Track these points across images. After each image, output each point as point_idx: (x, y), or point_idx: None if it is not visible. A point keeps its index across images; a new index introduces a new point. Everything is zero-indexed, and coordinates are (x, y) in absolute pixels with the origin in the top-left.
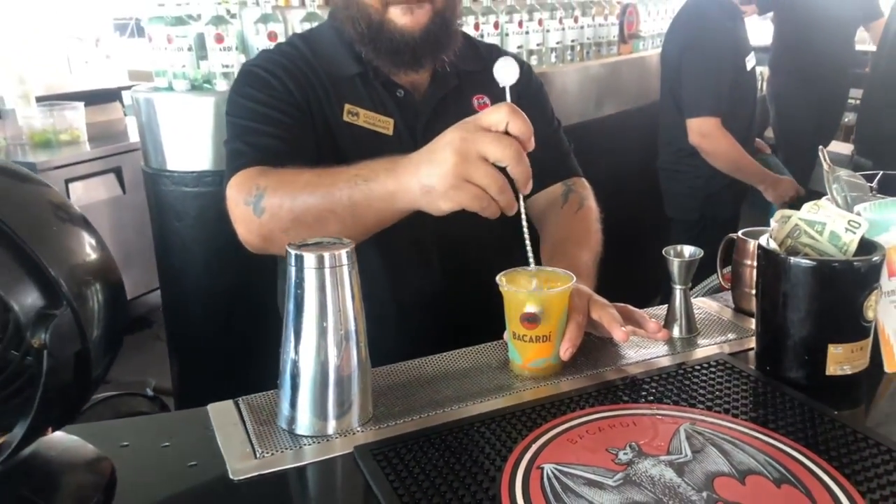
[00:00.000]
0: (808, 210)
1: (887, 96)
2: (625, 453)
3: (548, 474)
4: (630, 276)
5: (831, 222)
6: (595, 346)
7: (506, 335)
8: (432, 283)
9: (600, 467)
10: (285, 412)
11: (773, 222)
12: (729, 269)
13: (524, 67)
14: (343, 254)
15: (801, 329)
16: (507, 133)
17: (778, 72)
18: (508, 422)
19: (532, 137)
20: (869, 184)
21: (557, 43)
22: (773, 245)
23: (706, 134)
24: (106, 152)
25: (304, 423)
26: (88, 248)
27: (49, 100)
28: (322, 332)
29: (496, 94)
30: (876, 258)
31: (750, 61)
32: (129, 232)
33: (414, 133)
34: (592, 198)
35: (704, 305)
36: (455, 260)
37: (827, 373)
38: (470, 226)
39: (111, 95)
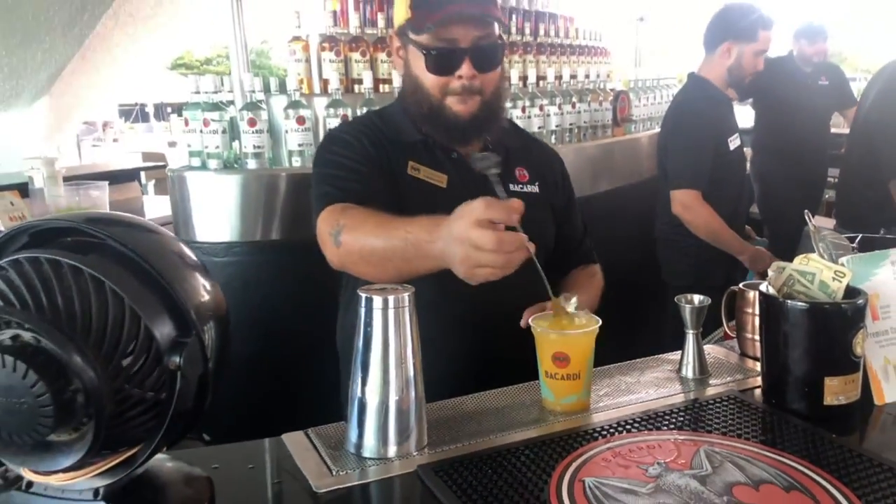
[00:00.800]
0: (800, 262)
1: (861, 176)
2: (654, 469)
3: (589, 485)
4: (631, 335)
5: (820, 273)
6: (617, 387)
7: (539, 374)
8: (473, 330)
9: (634, 479)
10: (353, 438)
11: (769, 272)
12: (733, 321)
13: (561, 166)
14: (405, 297)
15: (801, 364)
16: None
17: (760, 152)
18: (548, 447)
19: (517, 212)
20: (851, 244)
21: (557, 126)
22: (772, 291)
23: (687, 205)
24: None
25: (370, 446)
26: (208, 288)
27: (73, 179)
28: (386, 367)
29: (534, 169)
30: (860, 301)
31: (733, 142)
32: None
33: (466, 188)
34: (598, 269)
35: (713, 351)
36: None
37: (825, 402)
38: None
39: (129, 175)
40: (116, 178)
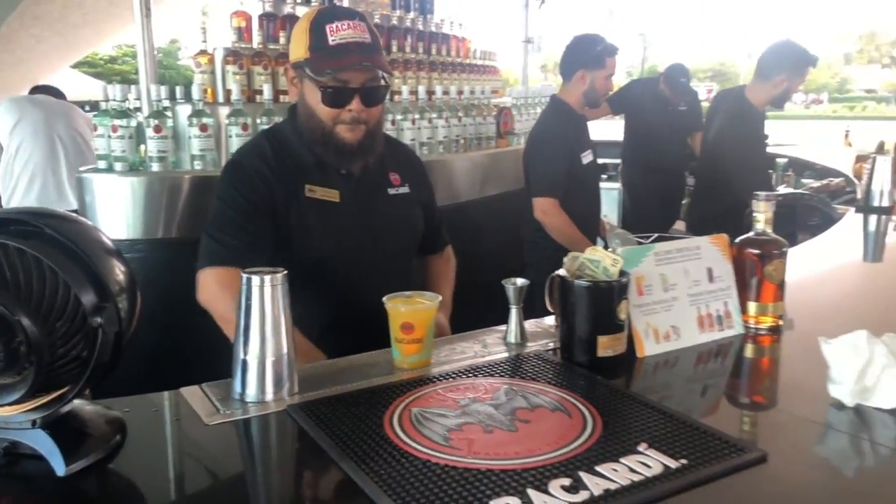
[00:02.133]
0: (589, 253)
1: (705, 191)
2: (464, 401)
3: (414, 413)
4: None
5: (603, 260)
6: (454, 350)
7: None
8: (351, 310)
9: (447, 407)
10: (237, 388)
11: (564, 260)
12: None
13: (420, 166)
14: (278, 277)
15: (582, 327)
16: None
17: (627, 164)
18: (392, 390)
19: None
20: (638, 240)
21: (444, 137)
22: (565, 274)
23: (546, 211)
24: None
25: (251, 394)
26: (121, 267)
27: None
28: (263, 332)
29: (403, 171)
30: (624, 280)
31: (586, 157)
32: None
33: (355, 198)
34: (451, 254)
35: (538, 324)
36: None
37: (598, 355)
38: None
39: None
40: None
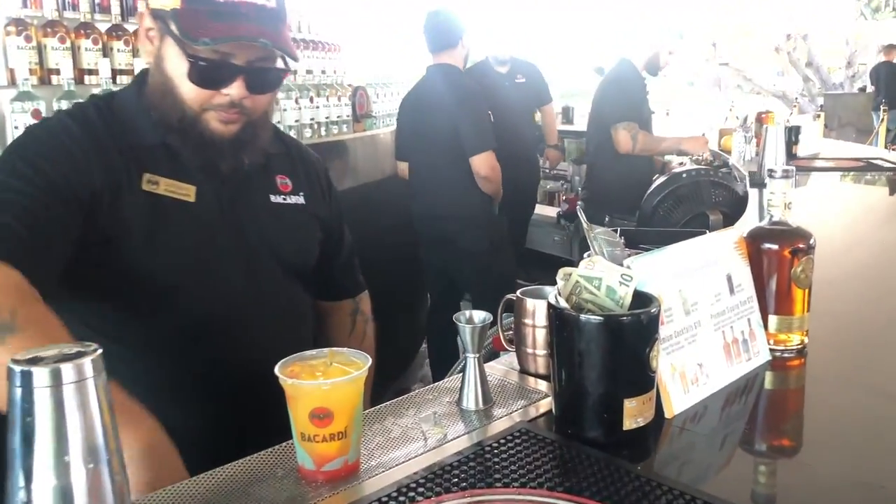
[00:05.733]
0: (586, 266)
1: (601, 161)
2: None
3: None
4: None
5: (607, 277)
6: (390, 435)
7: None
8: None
9: None
10: None
11: (558, 280)
12: (510, 331)
13: (325, 175)
14: (86, 363)
15: (599, 386)
16: None
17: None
18: None
19: None
20: (618, 239)
21: (296, 121)
22: (562, 303)
23: (492, 165)
24: None
25: None
26: None
27: None
28: (64, 471)
29: (297, 178)
30: (654, 310)
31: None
32: None
33: (220, 200)
34: (370, 314)
35: (490, 370)
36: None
37: (624, 427)
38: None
39: None
40: None
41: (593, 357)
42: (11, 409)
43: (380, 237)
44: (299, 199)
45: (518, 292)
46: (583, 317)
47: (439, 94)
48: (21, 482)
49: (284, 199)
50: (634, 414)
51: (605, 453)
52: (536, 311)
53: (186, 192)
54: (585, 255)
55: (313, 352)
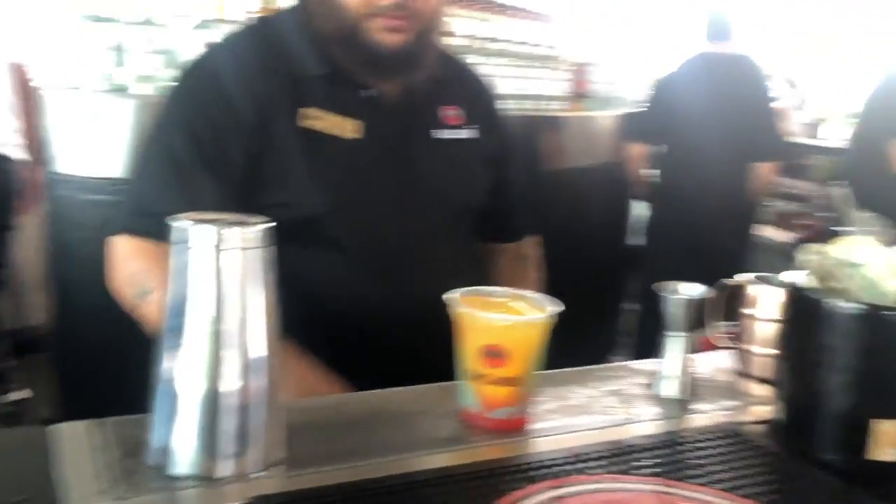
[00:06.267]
0: (843, 247)
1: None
2: None
3: None
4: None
5: (871, 264)
6: (567, 402)
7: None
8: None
9: None
10: (157, 444)
11: (801, 259)
12: (723, 326)
13: (495, 94)
14: (253, 232)
15: (844, 398)
16: None
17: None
18: (461, 486)
19: None
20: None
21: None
22: (809, 285)
23: (773, 181)
24: None
25: (185, 460)
26: None
27: None
28: (216, 338)
29: (468, 107)
30: None
31: None
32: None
33: (382, 136)
34: (539, 260)
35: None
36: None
37: (869, 456)
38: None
39: None
40: None
41: (844, 358)
42: (173, 268)
43: (585, 223)
44: (471, 133)
45: (736, 277)
46: (840, 305)
47: (734, 85)
48: (173, 348)
49: (453, 133)
50: (888, 441)
51: (842, 481)
52: (761, 300)
53: (346, 128)
54: (838, 236)
55: (495, 288)
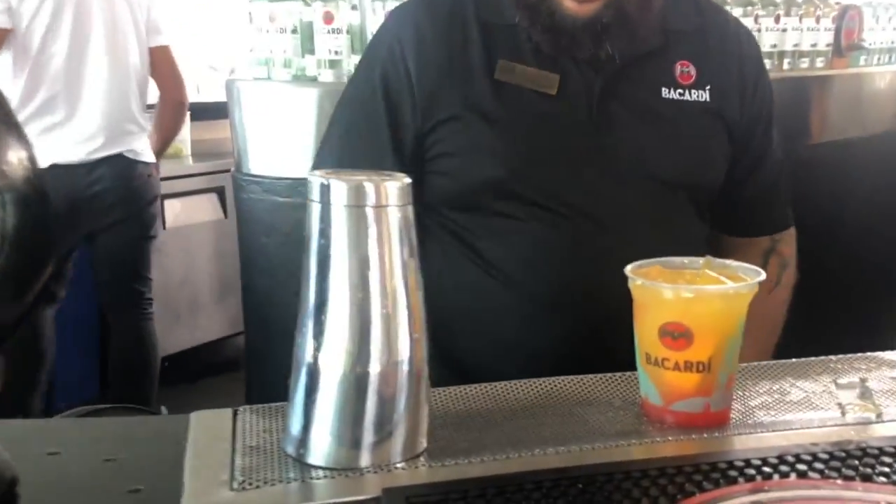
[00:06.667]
0: None
1: None
2: None
3: None
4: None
5: None
6: (784, 397)
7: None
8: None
9: None
10: (294, 432)
11: None
12: None
13: (757, 63)
14: (394, 188)
15: None
16: None
17: None
18: (638, 486)
19: None
20: None
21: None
22: None
23: None
24: (208, 169)
25: (321, 449)
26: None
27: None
28: (358, 312)
29: (706, 63)
30: None
31: None
32: (228, 260)
33: (590, 95)
34: (794, 261)
35: None
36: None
37: None
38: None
39: (222, 111)
40: (209, 112)
41: None
42: (308, 230)
43: (857, 209)
44: (702, 95)
45: None
46: None
47: None
48: (309, 325)
49: (682, 93)
50: None
51: None
52: None
53: (549, 83)
54: None
55: (683, 259)
